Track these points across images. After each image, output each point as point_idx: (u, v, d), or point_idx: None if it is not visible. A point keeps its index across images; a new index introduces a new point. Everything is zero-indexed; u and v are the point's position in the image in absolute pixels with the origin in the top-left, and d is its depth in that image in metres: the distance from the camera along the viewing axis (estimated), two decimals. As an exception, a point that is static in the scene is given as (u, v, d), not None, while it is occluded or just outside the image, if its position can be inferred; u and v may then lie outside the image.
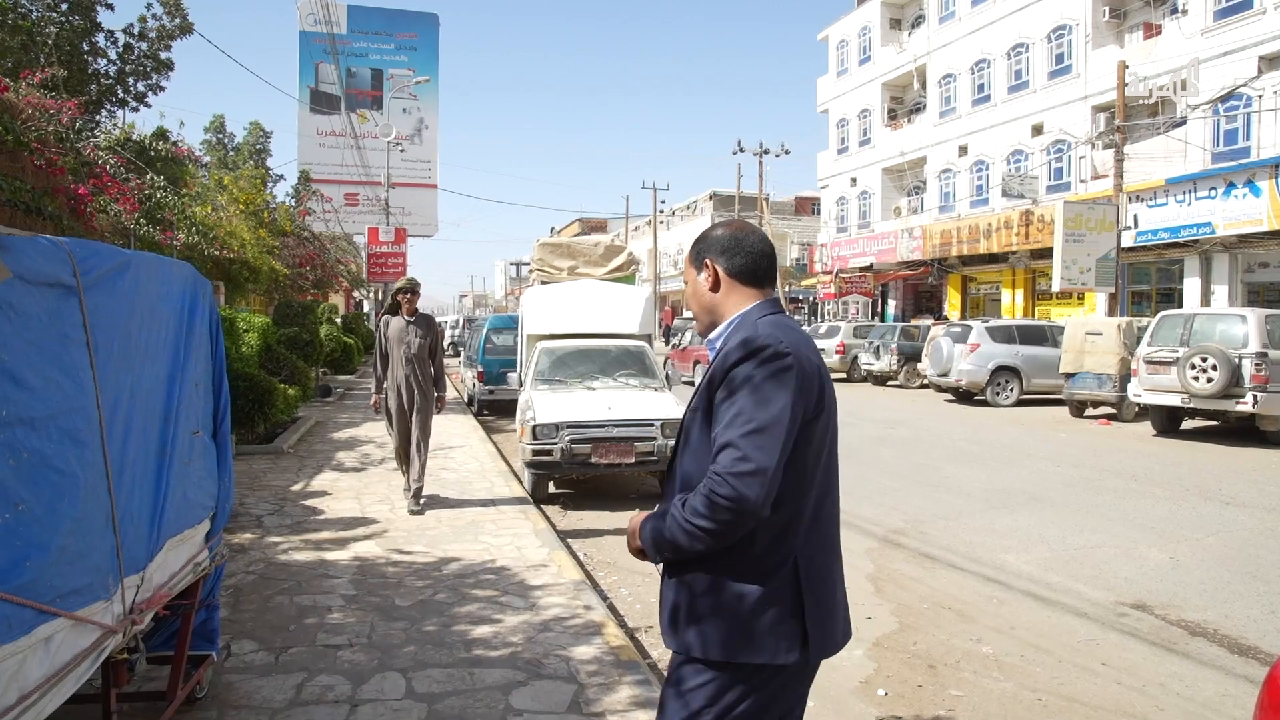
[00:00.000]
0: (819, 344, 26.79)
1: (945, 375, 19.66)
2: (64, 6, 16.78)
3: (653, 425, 8.80)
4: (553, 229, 79.12)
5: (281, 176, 38.87)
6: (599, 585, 6.42)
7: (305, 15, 42.94)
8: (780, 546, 2.00)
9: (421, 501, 8.05)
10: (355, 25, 48.11)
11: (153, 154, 16.40)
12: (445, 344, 45.95)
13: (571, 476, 9.16)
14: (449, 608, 5.28)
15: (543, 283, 11.87)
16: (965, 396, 19.98)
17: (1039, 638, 5.39)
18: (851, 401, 20.18)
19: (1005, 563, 7.04)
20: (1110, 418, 16.56)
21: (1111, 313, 23.18)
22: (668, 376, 10.19)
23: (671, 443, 8.79)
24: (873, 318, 37.36)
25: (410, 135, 47.52)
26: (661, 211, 59.96)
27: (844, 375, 26.40)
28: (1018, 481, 10.40)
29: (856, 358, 25.79)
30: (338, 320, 25.41)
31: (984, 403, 19.23)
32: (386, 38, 48.72)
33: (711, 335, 2.20)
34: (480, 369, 16.76)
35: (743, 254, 2.16)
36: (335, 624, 4.99)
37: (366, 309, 49.42)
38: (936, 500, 9.38)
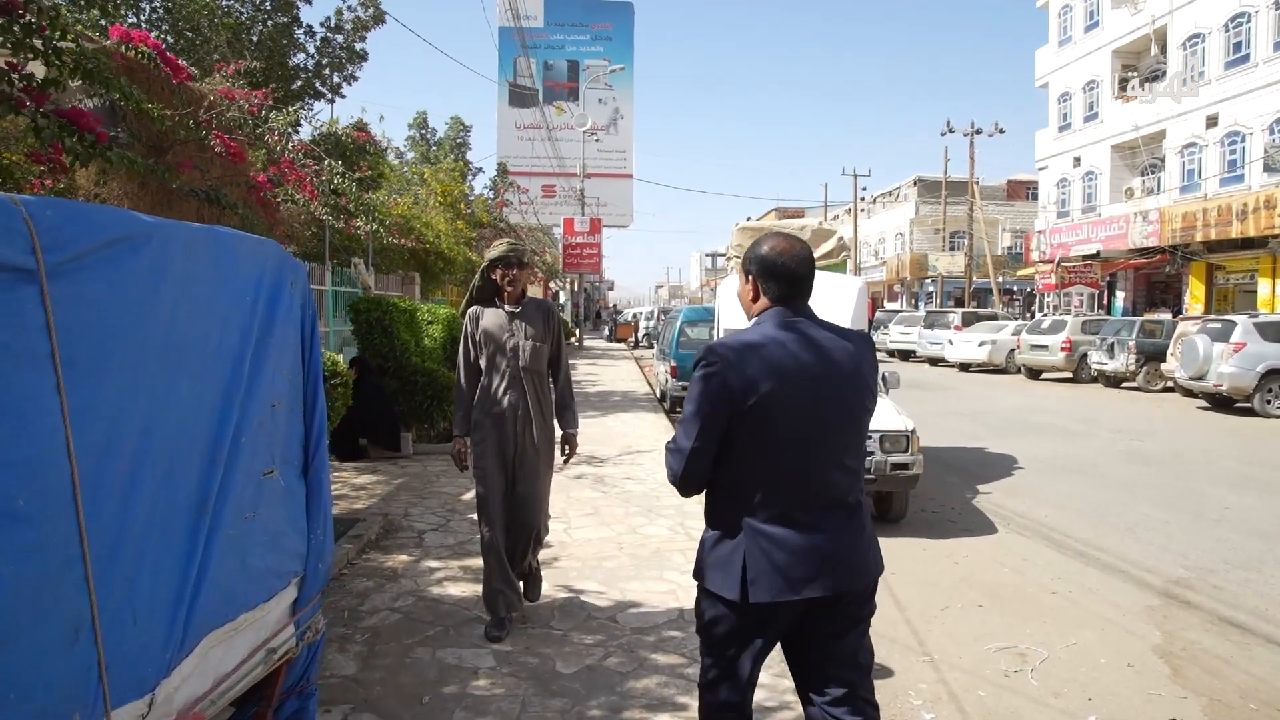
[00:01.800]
0: (1040, 339, 24.33)
1: (1200, 379, 17.02)
2: (268, 5, 17.03)
3: (870, 438, 7.43)
4: (748, 218, 77.70)
5: (480, 169, 39.39)
6: (807, 642, 5.20)
7: (504, 10, 43.39)
8: (729, 507, 2.52)
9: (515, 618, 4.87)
10: (552, 18, 48.48)
11: (349, 146, 16.38)
12: (640, 335, 45.47)
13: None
14: (622, 680, 4.18)
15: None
16: (1223, 403, 17.26)
17: None
18: (1083, 406, 17.90)
19: (1351, 639, 5.30)
20: None
21: None
22: (884, 379, 8.76)
23: (892, 459, 7.44)
24: (1097, 310, 33.93)
25: (606, 126, 47.47)
26: (862, 199, 57.53)
27: (1070, 375, 23.80)
28: (1329, 516, 8.35)
29: (1085, 355, 23.12)
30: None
31: (1249, 412, 16.49)
32: (582, 29, 48.82)
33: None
34: (673, 364, 15.77)
35: (777, 278, 2.59)
36: (479, 696, 3.98)
37: (563, 299, 49.80)
38: (1222, 540, 7.54)
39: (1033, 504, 8.79)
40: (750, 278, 2.65)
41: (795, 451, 2.46)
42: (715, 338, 10.24)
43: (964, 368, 28.02)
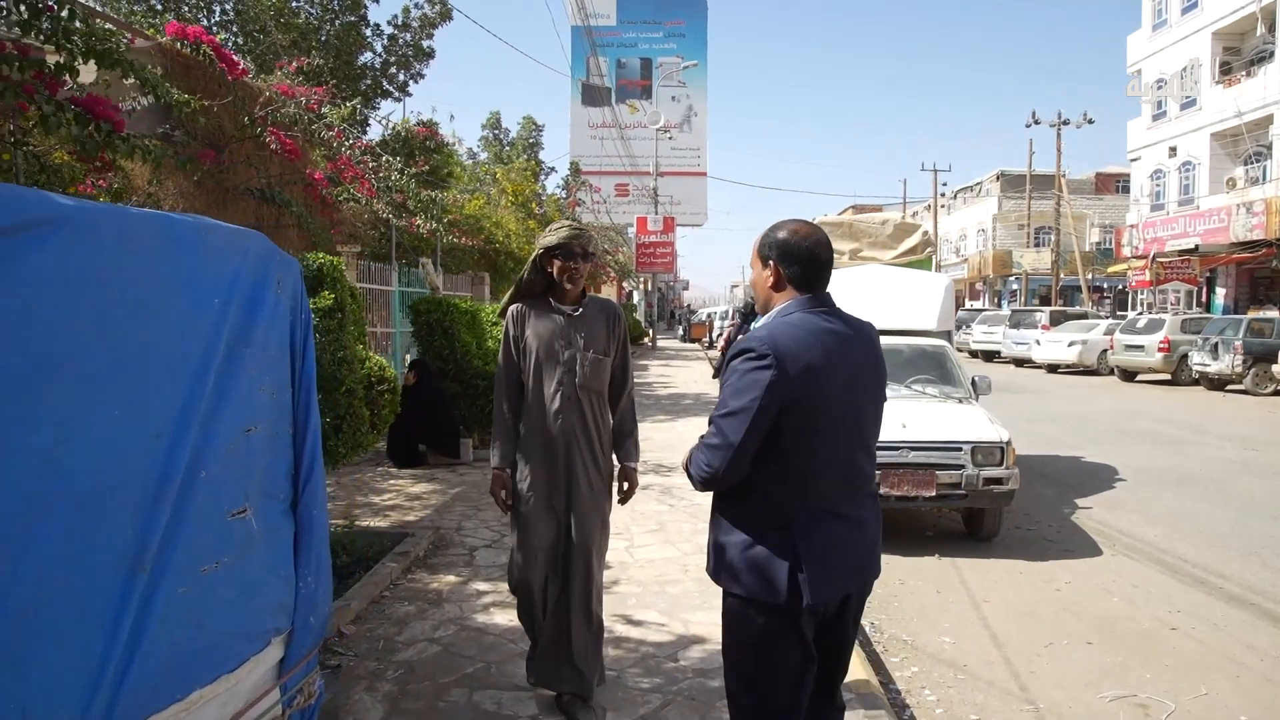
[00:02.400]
0: (1136, 339, 23.07)
1: (1318, 380, 15.80)
2: (335, 5, 16.93)
3: (960, 450, 6.79)
4: (823, 215, 76.34)
5: (553, 169, 39.29)
6: (893, 684, 4.61)
7: (575, 10, 43.29)
8: (771, 505, 2.39)
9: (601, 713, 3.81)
10: (624, 16, 48.22)
11: (416, 144, 16.16)
12: (714, 335, 44.76)
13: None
14: (679, 735, 3.67)
15: (817, 269, 10.07)
16: (1343, 406, 16.02)
17: None
18: (1185, 410, 16.78)
19: None
20: None
21: None
22: (974, 383, 8.08)
23: (985, 472, 6.78)
24: (1195, 308, 32.20)
25: (679, 123, 46.99)
26: (942, 195, 55.99)
27: (1168, 377, 22.49)
28: None
29: (1186, 356, 21.81)
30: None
31: (1373, 415, 15.27)
32: (655, 26, 48.45)
33: (759, 323, 2.60)
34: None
35: (802, 262, 2.49)
36: (517, 752, 3.51)
37: (636, 299, 49.40)
38: (1365, 565, 6.72)
39: (1139, 521, 8.02)
40: (771, 264, 2.54)
41: (839, 443, 2.43)
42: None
43: (1052, 369, 26.81)
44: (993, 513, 7.14)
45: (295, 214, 9.01)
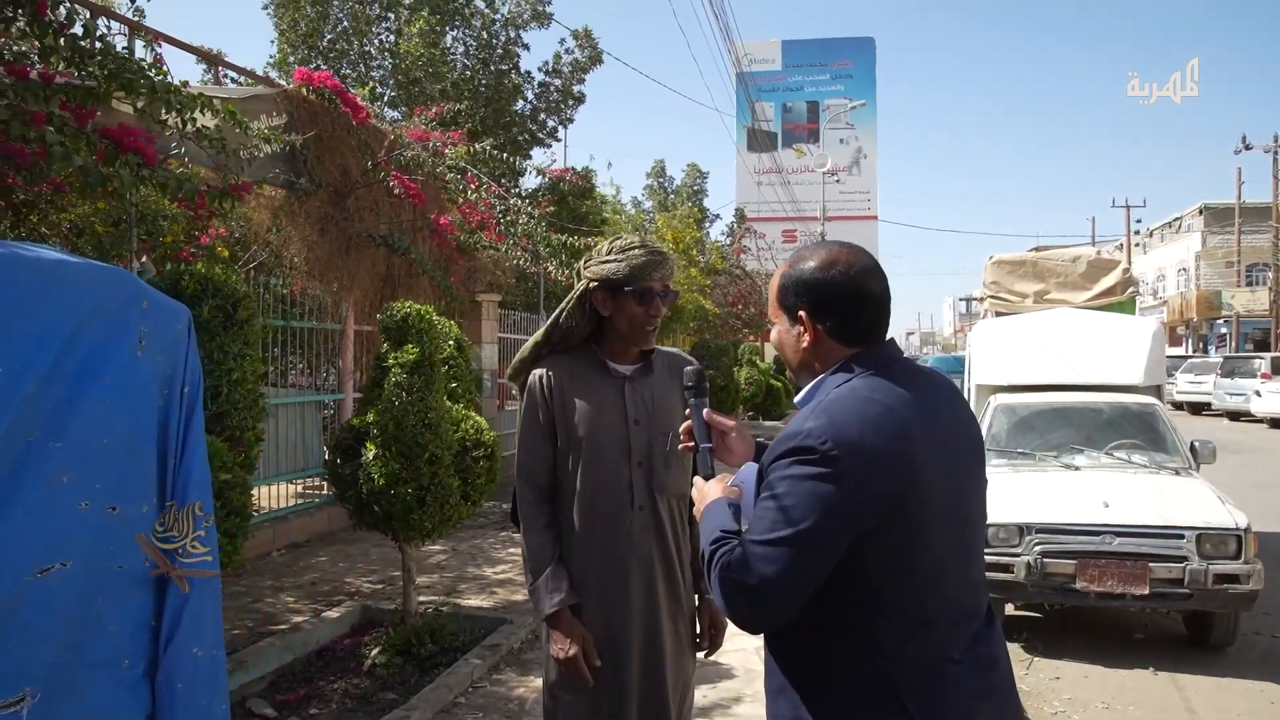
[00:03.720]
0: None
1: None
2: (488, 55, 16.96)
3: (1182, 537, 5.40)
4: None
5: (718, 216, 38.86)
6: None
7: (741, 57, 43.10)
8: (869, 668, 1.59)
9: None
10: (790, 60, 47.70)
11: (568, 190, 15.83)
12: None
13: (1041, 605, 6.08)
14: None
15: (999, 313, 8.82)
16: None
17: None
18: None
19: None
20: None
21: None
22: (1193, 450, 6.64)
23: (1215, 568, 5.38)
24: None
25: (848, 166, 45.73)
26: (1136, 233, 52.10)
27: None
28: None
29: None
30: (760, 362, 23.63)
31: None
32: (821, 69, 47.61)
33: (800, 396, 1.77)
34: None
35: (845, 307, 1.70)
36: None
37: (804, 348, 48.02)
38: None
39: None
40: (802, 317, 1.73)
41: (948, 561, 1.67)
42: (965, 391, 8.55)
43: (1275, 424, 23.78)
44: (1226, 617, 5.69)
45: (418, 261, 8.56)
